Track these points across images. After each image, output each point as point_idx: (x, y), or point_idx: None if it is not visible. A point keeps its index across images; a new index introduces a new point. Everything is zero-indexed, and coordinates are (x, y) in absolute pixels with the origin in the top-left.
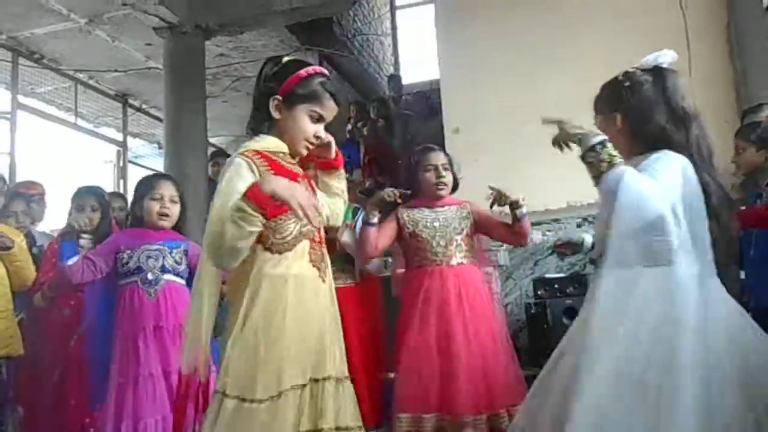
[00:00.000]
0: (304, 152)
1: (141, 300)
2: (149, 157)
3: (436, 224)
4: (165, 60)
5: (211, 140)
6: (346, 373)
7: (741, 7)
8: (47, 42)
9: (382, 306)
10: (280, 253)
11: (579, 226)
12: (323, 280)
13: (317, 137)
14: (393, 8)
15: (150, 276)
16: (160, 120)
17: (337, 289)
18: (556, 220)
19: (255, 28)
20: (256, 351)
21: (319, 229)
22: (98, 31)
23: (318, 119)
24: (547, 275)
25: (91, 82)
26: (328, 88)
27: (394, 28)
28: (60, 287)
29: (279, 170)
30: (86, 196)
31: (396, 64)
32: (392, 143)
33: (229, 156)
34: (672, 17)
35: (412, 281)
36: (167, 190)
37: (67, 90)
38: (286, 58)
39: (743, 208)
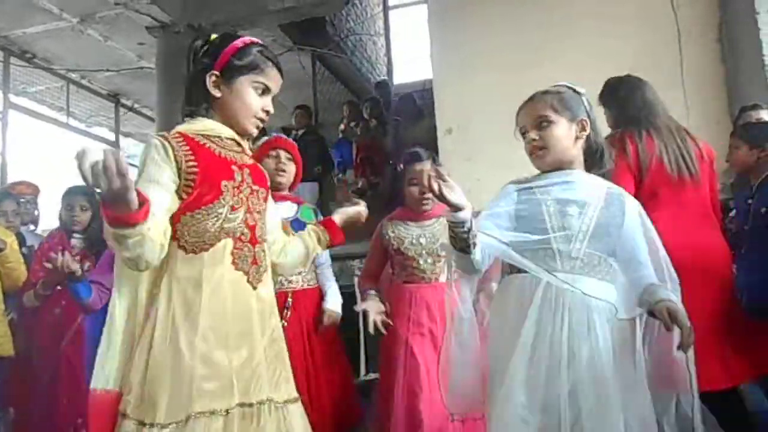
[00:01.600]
0: (254, 130)
1: None
2: None
3: (423, 241)
4: (157, 59)
5: None
6: (293, 395)
7: (733, 8)
8: (39, 41)
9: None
10: (194, 252)
11: None
12: (253, 287)
13: (266, 111)
14: (386, 8)
15: None
16: (152, 120)
17: (300, 291)
18: None
19: (248, 28)
20: (160, 367)
21: (251, 225)
22: (90, 30)
23: (264, 91)
24: None
25: (83, 81)
26: (269, 56)
27: (387, 27)
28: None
29: (205, 157)
30: (75, 196)
31: (389, 63)
32: (384, 143)
33: None
34: (664, 17)
35: (399, 296)
36: None
37: (59, 89)
38: (214, 35)
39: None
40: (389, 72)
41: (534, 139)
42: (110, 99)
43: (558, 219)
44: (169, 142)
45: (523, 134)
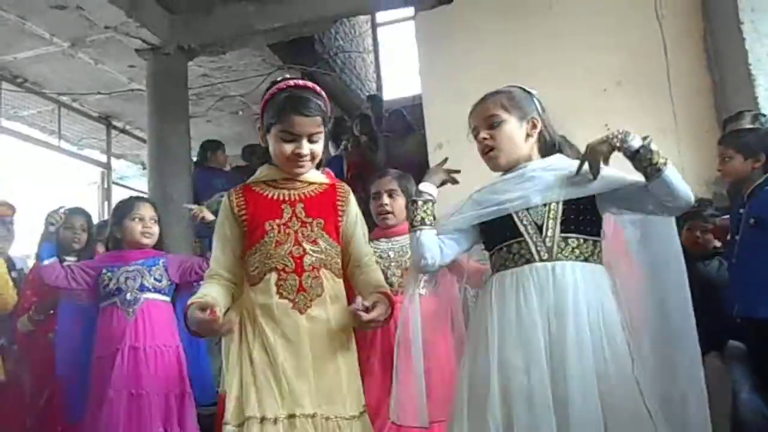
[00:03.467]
0: (297, 171)
1: (119, 320)
2: (133, 178)
3: (391, 254)
4: (148, 81)
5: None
6: (349, 413)
7: (717, 17)
8: (30, 66)
9: None
10: (253, 284)
11: None
12: (300, 312)
13: (297, 154)
14: (374, 25)
15: (129, 296)
16: (144, 141)
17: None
18: None
19: (237, 48)
20: (235, 377)
21: (297, 256)
22: (81, 54)
23: (292, 138)
24: None
25: (74, 104)
26: (292, 103)
27: (375, 44)
28: (47, 308)
29: (256, 202)
30: (76, 216)
31: (378, 80)
32: (375, 159)
33: (217, 143)
34: (649, 29)
35: None
36: (148, 211)
37: (51, 113)
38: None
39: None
40: (379, 88)
41: (485, 138)
42: (101, 121)
43: (524, 213)
44: (230, 197)
45: (476, 135)
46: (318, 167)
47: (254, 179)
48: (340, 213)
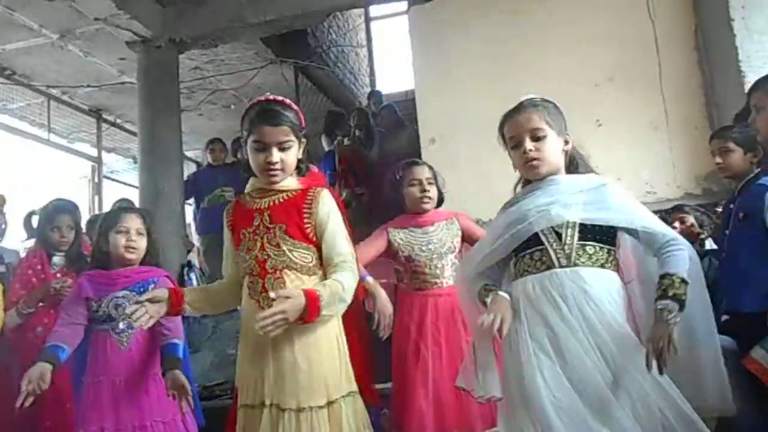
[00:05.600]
0: (272, 180)
1: (113, 349)
2: (124, 172)
3: (431, 247)
4: (139, 74)
5: (187, 153)
6: (315, 402)
7: (708, 14)
8: (19, 58)
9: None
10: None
11: None
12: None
13: (268, 162)
14: (367, 19)
15: (121, 325)
16: (134, 134)
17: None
18: None
19: (229, 41)
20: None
21: (261, 260)
22: (70, 46)
23: (263, 148)
24: None
25: (64, 97)
26: (261, 114)
27: (369, 39)
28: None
29: (239, 214)
30: (63, 215)
31: (371, 75)
32: (368, 154)
33: (217, 141)
34: (641, 26)
35: (412, 305)
36: (133, 222)
37: (40, 106)
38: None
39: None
40: (372, 83)
41: (530, 150)
42: (92, 114)
43: (546, 218)
44: (226, 211)
45: (515, 145)
46: (300, 174)
47: (247, 191)
48: (305, 215)
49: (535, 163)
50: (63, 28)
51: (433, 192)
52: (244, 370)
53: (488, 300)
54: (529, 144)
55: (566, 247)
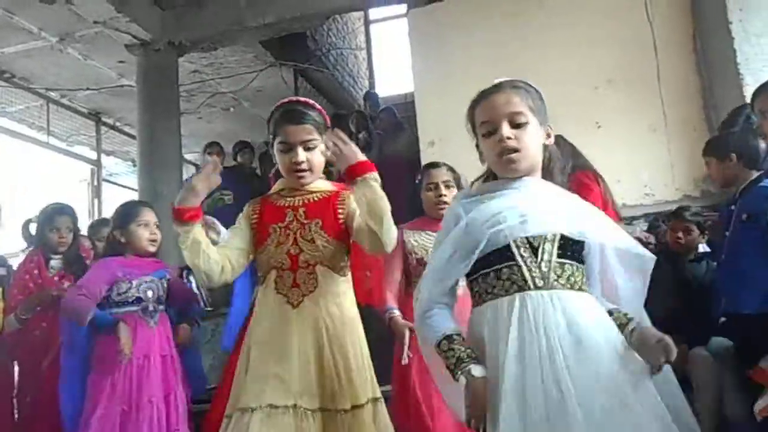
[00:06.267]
0: (299, 181)
1: (144, 329)
2: (124, 175)
3: None
4: (138, 77)
5: (186, 157)
6: (350, 403)
7: (706, 17)
8: (18, 60)
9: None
10: (261, 284)
11: None
12: (293, 306)
13: (295, 162)
14: (367, 22)
15: (150, 307)
16: (134, 137)
17: None
18: None
19: (228, 44)
20: (240, 373)
21: (294, 254)
22: (70, 49)
23: (289, 149)
24: None
25: (63, 100)
26: (284, 115)
27: (368, 41)
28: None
29: (267, 211)
30: (61, 217)
31: (371, 77)
32: (368, 157)
33: (216, 144)
34: (640, 29)
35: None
36: (151, 216)
37: (39, 108)
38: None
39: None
40: (371, 85)
41: (509, 138)
42: (91, 117)
43: (522, 228)
44: (248, 207)
45: (489, 131)
46: (329, 177)
47: (272, 190)
48: (339, 213)
49: (514, 155)
50: (62, 31)
51: (450, 196)
52: (258, 371)
53: (460, 379)
54: (507, 130)
55: (543, 264)
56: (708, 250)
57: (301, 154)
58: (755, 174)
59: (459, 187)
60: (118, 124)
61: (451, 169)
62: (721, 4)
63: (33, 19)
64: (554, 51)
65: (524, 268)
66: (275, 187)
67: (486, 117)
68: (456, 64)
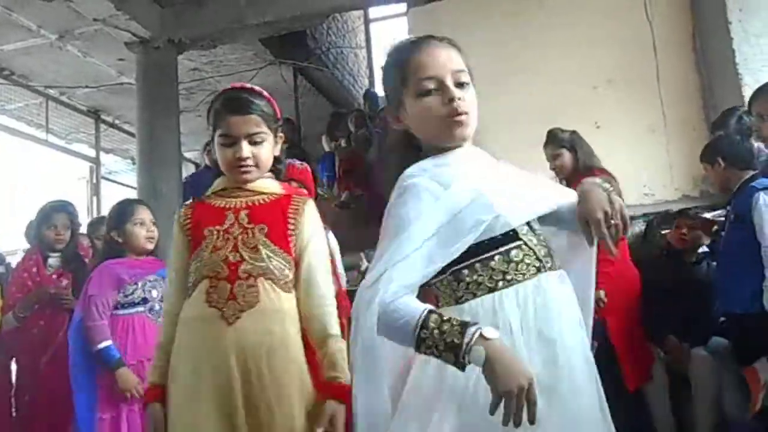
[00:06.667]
0: (243, 177)
1: (151, 329)
2: (123, 173)
3: None
4: (137, 75)
5: (186, 155)
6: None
7: (705, 17)
8: (17, 58)
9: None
10: (189, 296)
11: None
12: (228, 322)
13: (238, 158)
14: (367, 21)
15: (156, 306)
16: (133, 135)
17: None
18: None
19: (228, 42)
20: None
21: (233, 262)
22: (69, 46)
23: (232, 142)
24: None
25: (62, 98)
26: (226, 104)
27: (368, 40)
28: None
29: (201, 212)
30: (59, 214)
31: (371, 76)
32: (367, 156)
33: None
34: (640, 27)
35: None
36: (147, 214)
37: (38, 106)
38: None
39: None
40: (371, 84)
41: (459, 98)
42: (90, 115)
43: (522, 207)
44: (179, 211)
45: (431, 89)
46: (278, 177)
47: (210, 191)
48: (290, 223)
49: (464, 118)
50: (62, 29)
51: None
52: (177, 399)
53: (471, 351)
54: (454, 90)
55: (542, 238)
56: (707, 251)
57: (246, 149)
58: (750, 173)
59: None
60: (117, 121)
61: None
62: (720, 5)
63: (32, 16)
64: (554, 50)
65: (534, 247)
66: (214, 186)
67: (429, 72)
68: None
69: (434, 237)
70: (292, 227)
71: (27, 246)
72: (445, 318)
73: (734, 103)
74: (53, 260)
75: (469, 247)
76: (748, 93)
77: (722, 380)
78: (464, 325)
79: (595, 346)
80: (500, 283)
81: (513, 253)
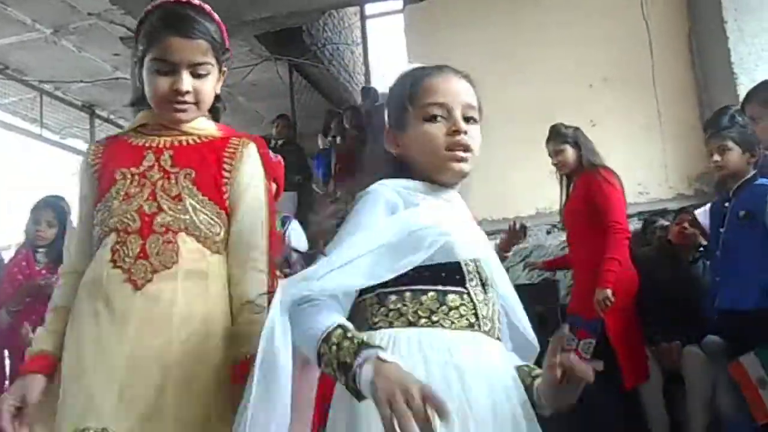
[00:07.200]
0: (177, 116)
1: None
2: None
3: None
4: (132, 70)
5: None
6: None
7: (701, 17)
8: (12, 52)
9: None
10: (93, 254)
11: (548, 233)
12: (136, 286)
13: (176, 90)
14: (363, 17)
15: None
16: None
17: None
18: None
19: None
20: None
21: (148, 214)
22: (64, 41)
23: (169, 70)
24: (518, 282)
25: (57, 92)
26: (168, 21)
27: (364, 37)
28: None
29: (116, 151)
30: (43, 210)
31: (367, 72)
32: (363, 153)
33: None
34: (635, 27)
35: None
36: None
37: (32, 100)
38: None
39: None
40: (367, 81)
41: (465, 132)
42: (85, 110)
43: (474, 246)
44: (89, 148)
45: (439, 116)
46: (216, 118)
47: (128, 126)
48: (225, 169)
49: (468, 154)
50: (56, 23)
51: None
52: (64, 381)
53: (362, 369)
54: (462, 123)
55: (491, 303)
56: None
57: (187, 81)
58: (752, 173)
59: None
60: (112, 116)
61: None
62: (716, 4)
63: (27, 10)
64: (550, 49)
65: (474, 299)
66: (135, 121)
67: (439, 98)
68: (452, 61)
69: (383, 248)
70: (227, 174)
71: (21, 241)
72: (349, 335)
73: (729, 102)
74: (41, 256)
75: (408, 273)
76: (743, 92)
77: (716, 378)
78: (363, 346)
79: (593, 345)
80: (422, 321)
81: (450, 297)
